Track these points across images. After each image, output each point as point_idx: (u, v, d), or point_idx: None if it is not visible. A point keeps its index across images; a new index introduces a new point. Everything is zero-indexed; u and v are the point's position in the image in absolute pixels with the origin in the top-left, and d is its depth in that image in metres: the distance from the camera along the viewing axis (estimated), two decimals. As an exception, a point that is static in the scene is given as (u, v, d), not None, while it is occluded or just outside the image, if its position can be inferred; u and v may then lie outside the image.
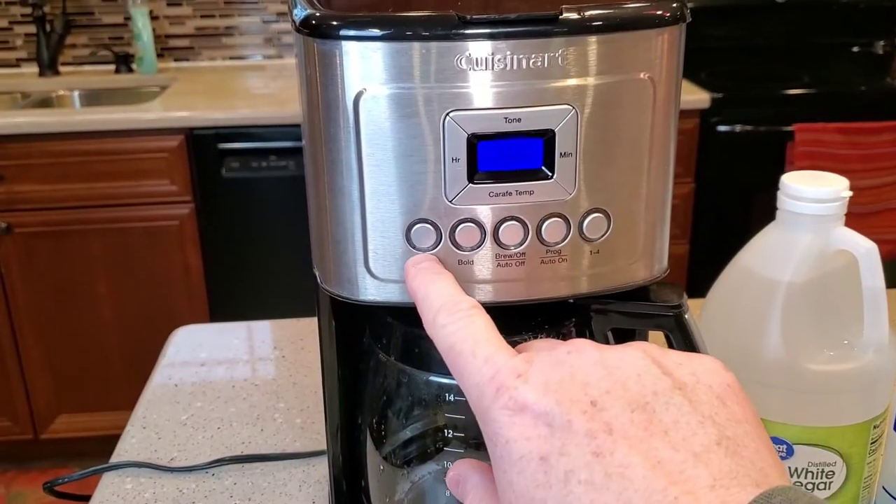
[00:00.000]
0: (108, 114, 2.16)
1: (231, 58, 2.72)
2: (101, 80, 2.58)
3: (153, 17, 2.61)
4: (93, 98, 2.55)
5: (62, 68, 2.61)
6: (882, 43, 2.75)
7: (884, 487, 0.62)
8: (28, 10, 2.53)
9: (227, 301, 2.28)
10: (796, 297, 0.59)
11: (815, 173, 0.61)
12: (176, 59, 2.70)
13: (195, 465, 0.78)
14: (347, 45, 0.44)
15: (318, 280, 0.52)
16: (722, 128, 2.22)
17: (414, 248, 0.47)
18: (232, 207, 2.20)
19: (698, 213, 2.31)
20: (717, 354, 0.58)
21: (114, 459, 0.80)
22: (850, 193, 0.59)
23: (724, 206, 2.30)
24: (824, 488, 0.61)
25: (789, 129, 2.16)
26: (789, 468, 0.61)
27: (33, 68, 2.59)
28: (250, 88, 2.47)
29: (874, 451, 0.62)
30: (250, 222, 2.21)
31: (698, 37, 2.75)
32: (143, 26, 2.52)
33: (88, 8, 2.61)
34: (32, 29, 2.54)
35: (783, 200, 0.60)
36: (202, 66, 2.69)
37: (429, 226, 0.47)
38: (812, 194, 0.59)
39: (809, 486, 0.61)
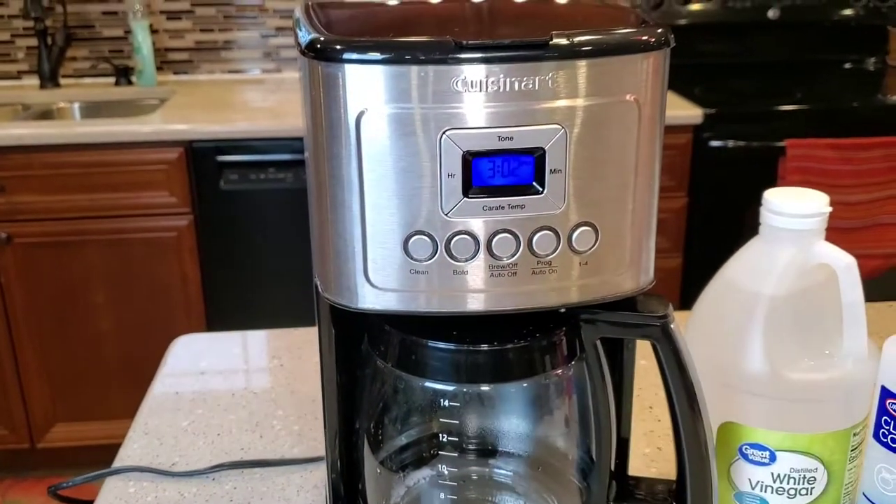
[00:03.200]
0: (107, 126, 2.18)
1: (230, 71, 2.74)
2: (101, 93, 2.61)
3: (153, 31, 2.63)
4: (93, 110, 2.58)
5: (63, 80, 2.63)
6: (873, 60, 2.79)
7: (864, 494, 0.65)
8: (30, 24, 2.55)
9: (225, 312, 2.29)
10: (778, 309, 0.62)
11: (796, 189, 0.63)
12: (175, 73, 2.72)
13: (196, 470, 0.80)
14: (350, 68, 0.47)
15: (319, 289, 0.54)
16: (714, 143, 2.25)
17: (411, 258, 0.50)
18: (230, 219, 2.22)
19: (691, 227, 2.34)
20: (702, 364, 0.61)
21: (116, 464, 0.82)
22: (830, 209, 0.62)
23: (716, 221, 2.33)
24: (806, 494, 0.64)
25: (781, 144, 2.19)
26: (772, 474, 0.63)
27: (34, 80, 2.61)
28: (249, 102, 2.50)
29: (854, 458, 0.64)
30: (248, 234, 2.24)
31: (692, 53, 2.79)
32: (142, 40, 2.55)
33: (89, 21, 2.64)
34: (34, 42, 2.57)
35: (766, 216, 0.63)
36: (201, 80, 2.72)
37: (425, 238, 0.49)
38: (794, 210, 0.61)
39: (791, 492, 0.63)
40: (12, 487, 2.36)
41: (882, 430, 0.61)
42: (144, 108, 2.48)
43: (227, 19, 2.69)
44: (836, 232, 2.09)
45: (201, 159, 2.16)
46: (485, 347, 0.55)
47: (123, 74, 2.62)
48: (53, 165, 2.11)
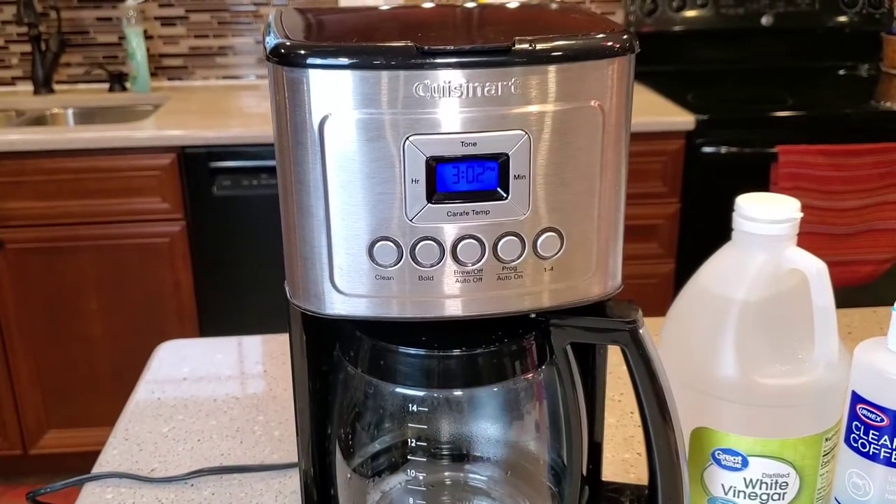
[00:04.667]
0: (100, 132, 2.18)
1: (224, 77, 2.75)
2: (95, 99, 2.61)
3: (147, 37, 2.64)
4: (87, 116, 2.58)
5: (57, 87, 2.63)
6: (867, 66, 2.79)
7: (836, 499, 0.65)
8: (24, 30, 2.56)
9: (217, 318, 2.29)
10: (750, 314, 0.62)
11: (768, 195, 0.64)
12: (170, 79, 2.73)
13: (174, 476, 0.80)
14: (313, 73, 0.47)
15: (288, 295, 0.55)
16: (707, 149, 2.25)
17: (377, 264, 0.50)
18: (223, 225, 2.22)
19: (683, 233, 2.34)
20: (675, 369, 0.61)
21: (95, 470, 0.82)
22: (801, 215, 0.62)
23: (709, 226, 2.32)
24: (778, 499, 0.64)
25: (773, 150, 2.20)
26: (744, 479, 0.63)
27: (28, 86, 2.62)
28: (243, 108, 2.50)
29: (827, 464, 0.64)
30: (241, 240, 2.24)
31: (685, 59, 2.79)
32: (137, 46, 2.55)
33: (83, 27, 2.64)
34: (28, 48, 2.57)
35: (738, 221, 0.63)
36: (196, 86, 2.72)
37: (391, 243, 0.49)
38: (765, 215, 0.61)
39: (764, 497, 0.63)
40: (4, 494, 2.36)
41: (853, 434, 0.61)
42: (138, 114, 2.48)
43: (221, 25, 2.70)
44: (829, 238, 2.11)
45: (194, 165, 2.16)
46: (454, 352, 0.55)
47: (117, 80, 2.62)
48: (46, 171, 2.11)
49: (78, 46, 2.66)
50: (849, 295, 2.23)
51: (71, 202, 2.14)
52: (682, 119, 2.23)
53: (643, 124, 2.20)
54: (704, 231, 2.33)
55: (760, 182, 2.20)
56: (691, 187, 2.30)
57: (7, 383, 2.27)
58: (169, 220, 2.19)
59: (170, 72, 2.72)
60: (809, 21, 2.74)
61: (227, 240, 2.24)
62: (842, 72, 2.79)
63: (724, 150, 2.26)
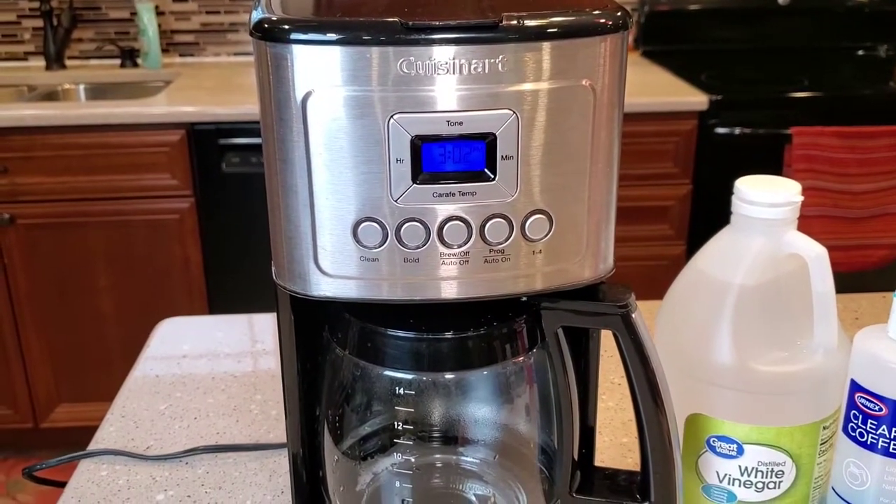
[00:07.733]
0: (111, 108, 2.18)
1: (235, 54, 2.74)
2: (106, 75, 2.60)
3: (159, 13, 2.63)
4: (98, 92, 2.58)
5: (68, 62, 2.63)
6: (885, 47, 2.75)
7: (833, 488, 0.64)
8: (36, 5, 2.55)
9: (226, 295, 2.30)
10: (748, 299, 0.61)
11: (768, 178, 0.62)
12: (181, 55, 2.72)
13: (169, 454, 0.80)
14: (296, 49, 0.46)
15: (273, 275, 0.54)
16: (720, 130, 2.22)
17: (361, 245, 0.49)
18: (231, 202, 2.22)
19: (695, 215, 2.31)
20: (671, 354, 0.60)
21: (92, 447, 0.82)
22: (801, 198, 0.60)
23: (721, 208, 2.30)
24: (774, 487, 0.63)
25: (787, 132, 2.17)
26: (739, 467, 0.62)
27: (40, 62, 2.62)
28: (254, 85, 2.48)
29: (824, 452, 0.63)
30: (249, 217, 2.23)
31: (700, 38, 2.76)
32: (148, 21, 2.54)
33: (95, 3, 2.63)
34: (40, 23, 2.57)
35: (737, 204, 0.62)
36: (207, 62, 2.71)
37: (375, 224, 0.48)
38: (764, 199, 0.60)
39: (759, 485, 0.62)
40: (16, 467, 2.38)
41: (851, 423, 0.60)
42: (149, 90, 2.48)
43: (233, 2, 2.68)
44: (843, 221, 2.09)
45: (203, 142, 2.16)
46: (443, 335, 0.55)
47: (129, 56, 2.62)
48: (56, 147, 2.11)
49: (90, 22, 2.65)
50: (862, 279, 2.21)
51: (81, 178, 2.14)
52: (696, 99, 2.20)
53: (655, 104, 2.18)
54: (716, 213, 2.30)
55: (774, 164, 2.17)
56: (703, 168, 2.27)
57: (18, 357, 2.28)
58: (178, 197, 2.19)
59: (181, 48, 2.71)
60: (828, 0, 2.70)
61: (236, 216, 2.24)
62: (860, 52, 2.75)
63: (737, 131, 2.23)
